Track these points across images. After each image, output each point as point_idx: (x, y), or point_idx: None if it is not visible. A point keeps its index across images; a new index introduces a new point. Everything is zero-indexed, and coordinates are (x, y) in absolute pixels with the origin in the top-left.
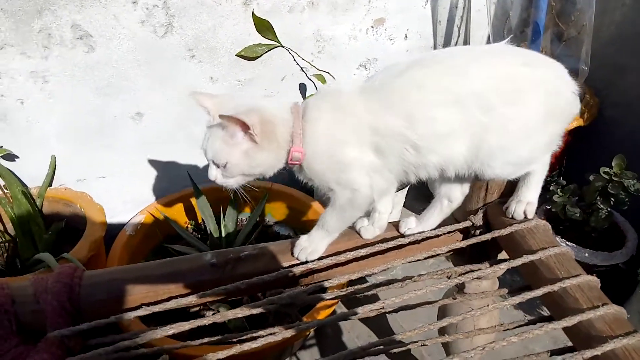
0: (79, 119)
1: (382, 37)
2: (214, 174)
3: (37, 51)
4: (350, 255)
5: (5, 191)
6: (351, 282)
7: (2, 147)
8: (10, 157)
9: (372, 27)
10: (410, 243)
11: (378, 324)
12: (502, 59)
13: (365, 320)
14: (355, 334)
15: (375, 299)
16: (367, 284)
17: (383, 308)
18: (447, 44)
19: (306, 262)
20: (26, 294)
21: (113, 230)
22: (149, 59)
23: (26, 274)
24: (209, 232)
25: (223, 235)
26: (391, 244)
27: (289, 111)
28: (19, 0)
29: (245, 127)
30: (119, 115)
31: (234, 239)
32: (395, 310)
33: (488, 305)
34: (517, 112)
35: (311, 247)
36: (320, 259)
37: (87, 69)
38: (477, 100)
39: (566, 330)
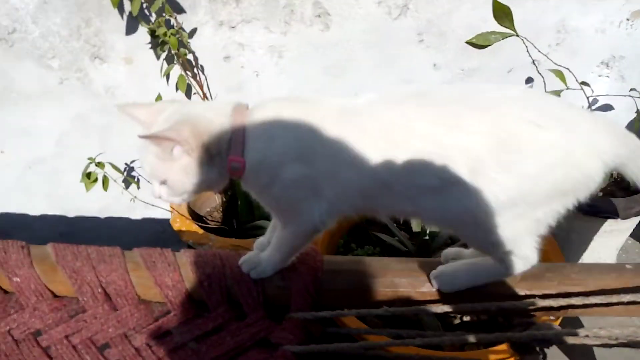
0: (302, 94)
1: (637, 32)
2: (157, 192)
3: (278, 26)
4: (626, 298)
5: None
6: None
7: None
8: None
9: (627, 19)
10: None
11: None
12: (511, 110)
13: None
14: None
15: None
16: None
17: None
18: None
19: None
20: None
21: None
22: (378, 40)
23: (245, 239)
24: (411, 225)
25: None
26: None
27: (230, 114)
28: None
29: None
30: (338, 95)
31: (436, 236)
32: None
33: None
34: (511, 181)
35: None
36: (585, 295)
37: (319, 47)
38: (466, 159)
39: None
